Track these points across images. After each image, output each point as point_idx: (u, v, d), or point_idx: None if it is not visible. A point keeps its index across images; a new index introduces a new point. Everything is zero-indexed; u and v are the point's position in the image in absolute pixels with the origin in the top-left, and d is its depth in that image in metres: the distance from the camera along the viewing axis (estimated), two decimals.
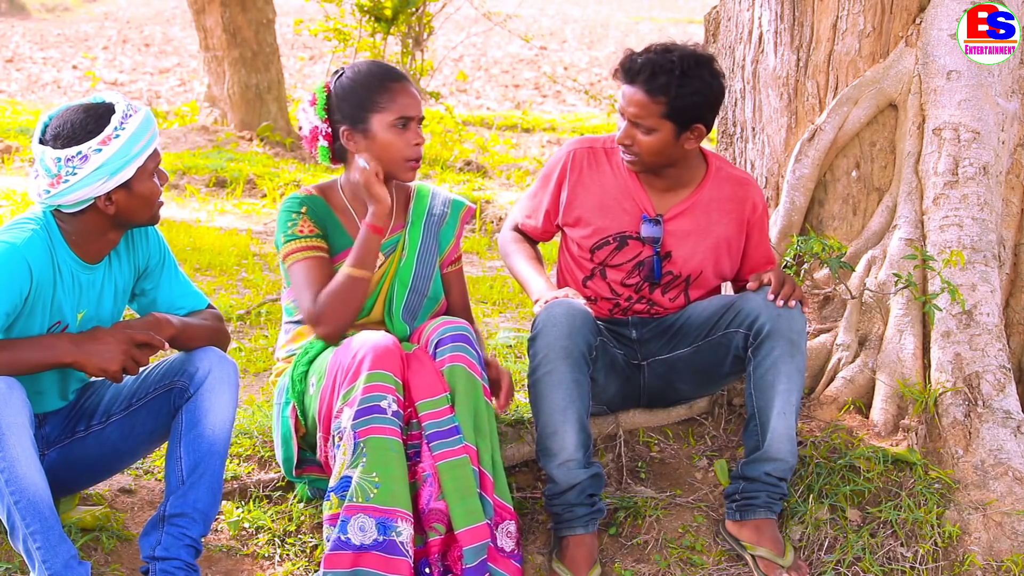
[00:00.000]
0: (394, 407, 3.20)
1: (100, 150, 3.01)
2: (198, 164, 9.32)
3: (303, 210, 3.46)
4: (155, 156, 3.13)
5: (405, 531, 3.14)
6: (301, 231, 3.44)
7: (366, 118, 3.41)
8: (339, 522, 3.14)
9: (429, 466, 3.22)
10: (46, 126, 3.07)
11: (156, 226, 3.31)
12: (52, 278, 3.10)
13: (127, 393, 3.28)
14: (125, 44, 19.38)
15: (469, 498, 3.21)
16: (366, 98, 3.41)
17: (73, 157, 3.00)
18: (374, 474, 3.14)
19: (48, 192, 3.04)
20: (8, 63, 16.96)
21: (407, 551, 3.14)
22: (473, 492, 3.22)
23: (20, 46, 18.84)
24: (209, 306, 3.40)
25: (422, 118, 3.48)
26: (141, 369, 3.20)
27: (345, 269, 3.37)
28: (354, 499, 3.14)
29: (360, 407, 3.17)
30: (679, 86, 3.46)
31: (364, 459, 3.15)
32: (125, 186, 3.07)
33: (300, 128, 3.53)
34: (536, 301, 3.58)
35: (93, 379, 3.38)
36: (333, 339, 3.38)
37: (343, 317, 3.37)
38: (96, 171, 3.01)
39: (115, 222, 3.14)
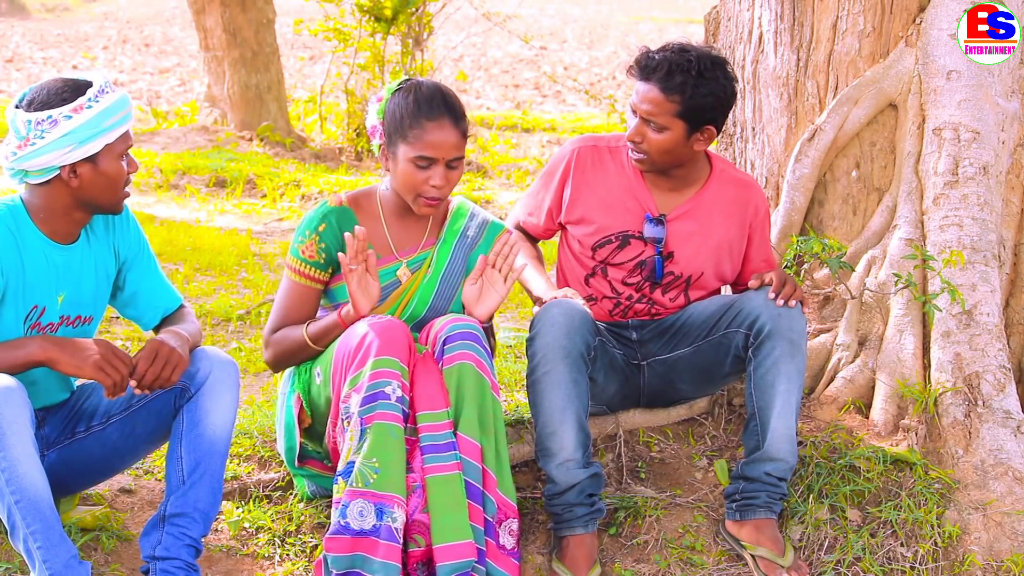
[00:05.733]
0: (398, 392, 3.21)
1: (71, 117, 3.03)
2: (198, 164, 9.32)
3: (320, 228, 3.46)
4: (126, 138, 3.14)
5: (399, 517, 3.17)
6: (304, 252, 3.47)
7: (396, 142, 3.39)
8: (340, 506, 3.17)
9: (419, 477, 3.23)
10: (25, 94, 3.10)
11: (135, 217, 3.33)
12: (19, 259, 3.10)
13: (127, 394, 3.27)
14: (125, 44, 19.38)
15: (454, 514, 3.20)
16: (401, 124, 3.38)
17: (43, 120, 3.02)
18: (374, 459, 3.16)
19: (15, 155, 3.06)
20: (8, 63, 16.96)
21: (399, 537, 3.16)
22: (461, 509, 3.21)
23: (20, 46, 18.84)
24: (182, 305, 3.43)
25: (458, 159, 3.38)
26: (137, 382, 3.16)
27: (305, 337, 3.44)
28: (355, 484, 3.17)
29: (367, 394, 3.20)
30: (695, 86, 3.46)
31: (366, 444, 3.17)
32: (91, 160, 3.08)
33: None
34: (536, 301, 3.57)
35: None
36: (270, 368, 3.58)
37: (282, 364, 3.55)
38: (63, 137, 3.02)
39: (79, 199, 3.14)
